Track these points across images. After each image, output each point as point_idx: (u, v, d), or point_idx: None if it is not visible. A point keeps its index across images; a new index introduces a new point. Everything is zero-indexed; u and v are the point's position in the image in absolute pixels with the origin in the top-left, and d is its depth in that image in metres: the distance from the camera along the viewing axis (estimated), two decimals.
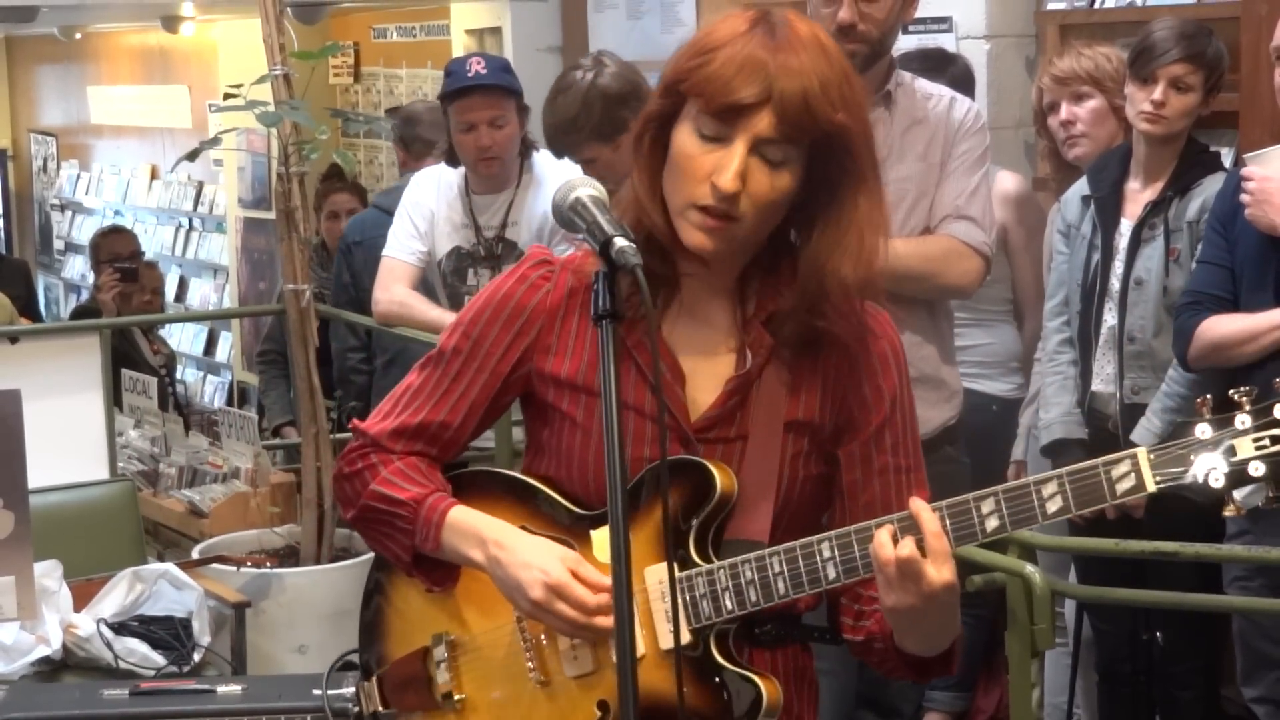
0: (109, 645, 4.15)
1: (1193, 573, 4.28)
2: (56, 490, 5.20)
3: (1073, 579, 4.65)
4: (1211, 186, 4.37)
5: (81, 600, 4.40)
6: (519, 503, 2.43)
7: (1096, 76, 4.76)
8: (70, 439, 5.60)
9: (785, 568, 2.25)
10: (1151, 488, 2.11)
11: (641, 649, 2.27)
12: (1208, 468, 2.09)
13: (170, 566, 4.84)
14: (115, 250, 8.60)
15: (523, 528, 2.38)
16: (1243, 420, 2.08)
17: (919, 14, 4.17)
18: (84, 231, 13.49)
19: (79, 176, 14.02)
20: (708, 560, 2.29)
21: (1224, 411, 2.11)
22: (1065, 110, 4.84)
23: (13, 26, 13.18)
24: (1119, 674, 4.75)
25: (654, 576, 2.30)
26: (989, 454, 4.80)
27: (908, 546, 2.14)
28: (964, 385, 4.29)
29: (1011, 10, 5.75)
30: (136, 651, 4.16)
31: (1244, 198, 4.06)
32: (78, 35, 13.31)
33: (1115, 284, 4.49)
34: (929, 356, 4.11)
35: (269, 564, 5.22)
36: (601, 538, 2.31)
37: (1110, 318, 4.51)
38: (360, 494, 2.46)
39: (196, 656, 4.17)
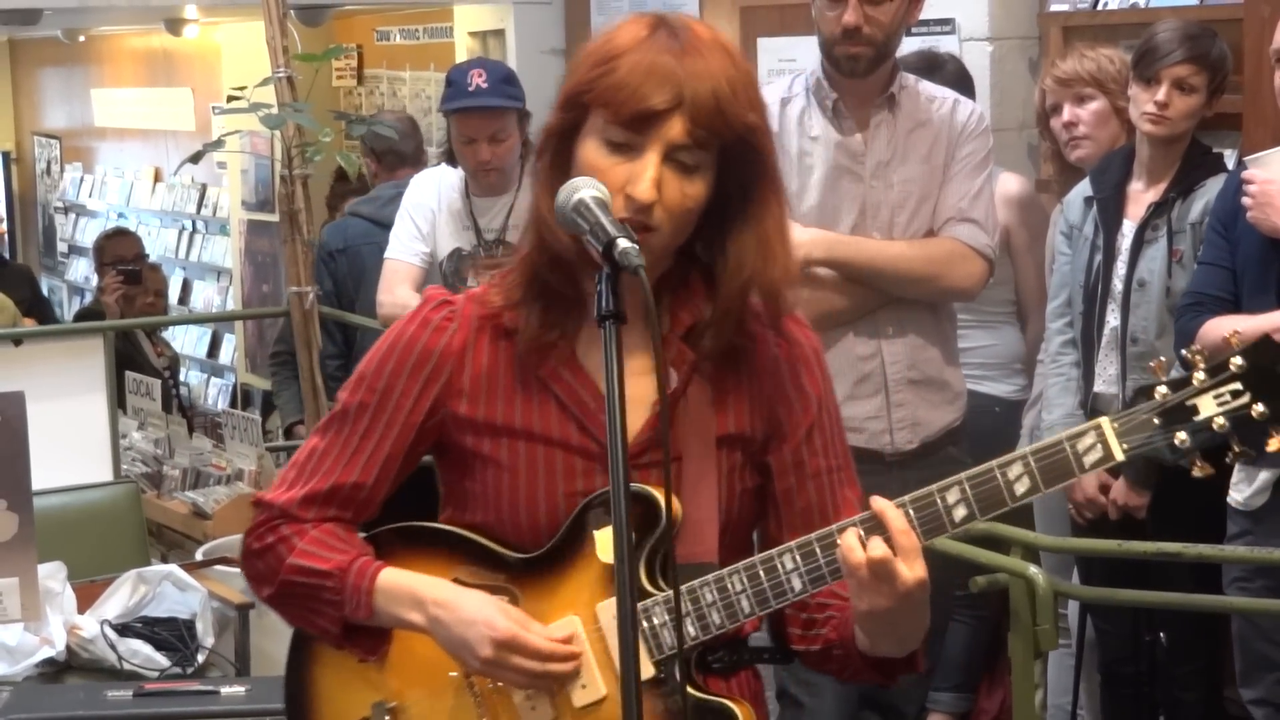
0: (113, 646, 4.15)
1: (1195, 574, 4.28)
2: (60, 492, 5.20)
3: (1075, 581, 4.65)
4: (1214, 188, 4.37)
5: (85, 602, 4.40)
6: (448, 556, 2.31)
7: (1099, 78, 4.76)
8: (74, 441, 5.61)
9: (748, 585, 2.19)
10: (1120, 456, 2.09)
11: (603, 690, 2.22)
12: (1173, 429, 2.08)
13: (174, 568, 4.85)
14: (119, 253, 8.62)
15: (454, 581, 2.28)
16: (1200, 378, 2.08)
17: (922, 15, 4.18)
18: (87, 234, 13.50)
19: (82, 179, 14.03)
20: (660, 589, 2.23)
21: (1180, 372, 2.11)
22: (1068, 112, 4.84)
23: (16, 29, 13.18)
24: (1122, 675, 4.75)
25: (607, 614, 2.21)
26: (992, 455, 4.75)
27: (878, 547, 2.09)
28: (967, 387, 4.29)
29: (1014, 12, 5.75)
30: (140, 653, 4.17)
31: (1245, 200, 4.07)
32: (81, 38, 13.31)
33: (1118, 285, 4.49)
34: (932, 359, 4.12)
35: None
36: (604, 538, 2.20)
37: (1113, 319, 4.51)
38: (277, 570, 2.32)
39: (200, 658, 4.18)
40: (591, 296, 2.17)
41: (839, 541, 2.14)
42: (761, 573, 2.19)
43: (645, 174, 2.14)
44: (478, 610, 2.20)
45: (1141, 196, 4.51)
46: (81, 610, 4.36)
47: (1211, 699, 4.72)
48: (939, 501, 2.14)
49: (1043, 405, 4.72)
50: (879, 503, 2.13)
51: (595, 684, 2.23)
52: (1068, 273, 4.65)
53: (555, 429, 2.26)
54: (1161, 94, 4.38)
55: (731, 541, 2.28)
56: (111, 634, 4.19)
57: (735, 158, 2.20)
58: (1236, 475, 4.23)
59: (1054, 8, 5.59)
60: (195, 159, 5.75)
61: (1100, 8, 5.43)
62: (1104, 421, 2.10)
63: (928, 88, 4.15)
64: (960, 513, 2.13)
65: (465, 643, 2.20)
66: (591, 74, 2.18)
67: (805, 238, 4.02)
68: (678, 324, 2.26)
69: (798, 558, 2.18)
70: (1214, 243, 4.21)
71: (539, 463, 2.26)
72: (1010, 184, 5.07)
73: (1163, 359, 2.16)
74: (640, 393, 2.25)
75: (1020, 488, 2.13)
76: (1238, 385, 2.07)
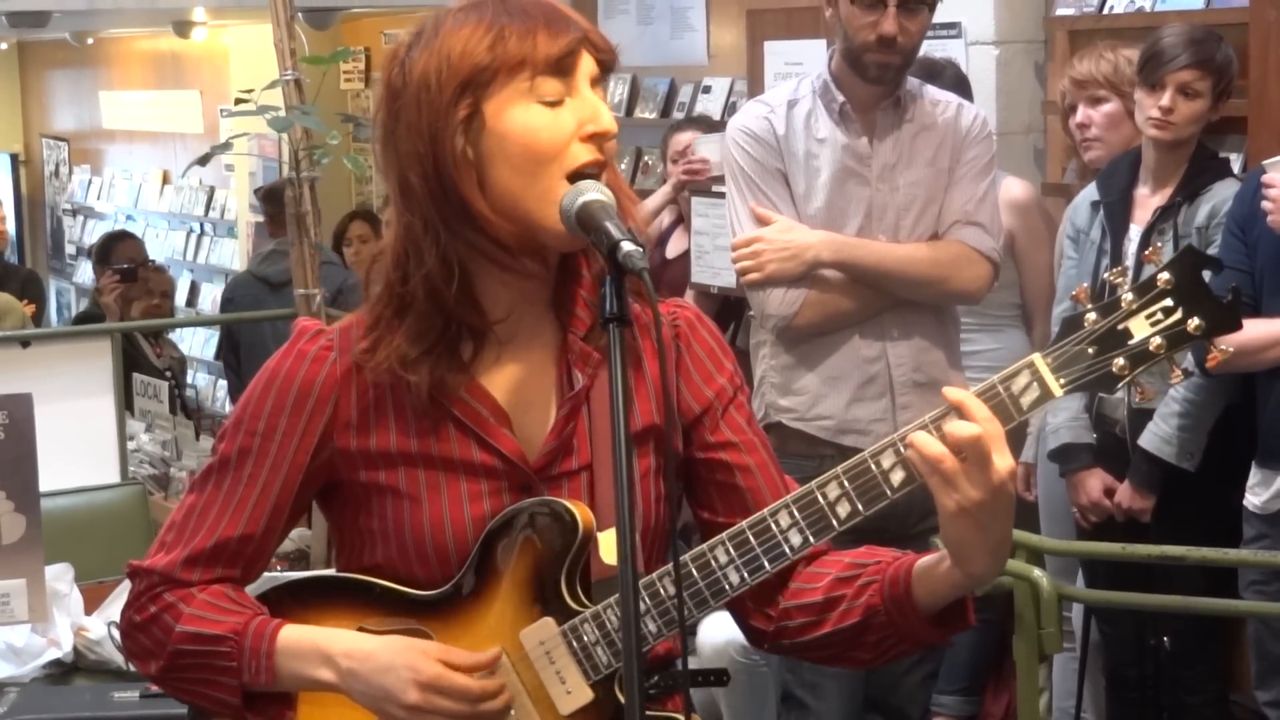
0: (119, 648, 4.16)
1: (1200, 577, 4.28)
2: (68, 494, 5.21)
3: (1080, 584, 4.65)
4: (1220, 192, 4.37)
5: (92, 603, 4.40)
6: (348, 605, 2.15)
7: (1114, 80, 4.74)
8: (81, 443, 5.61)
9: (684, 588, 2.05)
10: (1058, 392, 1.99)
11: None
12: (1108, 355, 1.98)
13: None
14: (124, 257, 8.62)
15: (359, 630, 2.12)
16: (1129, 299, 1.98)
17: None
18: (95, 236, 13.52)
19: (90, 181, 14.06)
20: (585, 606, 2.08)
21: (1105, 297, 2.00)
22: (1081, 113, 4.83)
23: (25, 31, 13.21)
24: (1126, 678, 4.75)
25: (533, 639, 2.10)
26: None
27: (966, 427, 1.93)
28: (971, 390, 4.29)
29: (1021, 16, 5.76)
30: None
31: (1265, 204, 4.06)
32: (90, 40, 13.35)
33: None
34: (936, 361, 4.12)
35: (278, 567, 5.23)
36: (608, 540, 2.07)
37: None
38: (165, 641, 2.12)
39: None
40: (495, 308, 2.11)
41: (911, 441, 1.97)
42: (695, 570, 2.07)
43: (600, 107, 2.07)
44: (395, 655, 2.05)
45: (1148, 201, 4.51)
46: (88, 612, 4.35)
47: (1218, 702, 4.72)
48: (874, 468, 2.02)
49: (1048, 407, 4.71)
50: (954, 393, 1.98)
51: (530, 718, 2.11)
52: (1074, 277, 4.65)
53: (455, 449, 2.11)
54: (1166, 99, 4.38)
55: (657, 547, 2.17)
56: (118, 636, 4.19)
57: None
58: (1253, 479, 4.23)
59: (1060, 11, 5.60)
60: (203, 161, 5.75)
61: (1106, 11, 5.43)
62: (1035, 358, 2.01)
63: (932, 92, 4.16)
64: (899, 476, 2.01)
65: (386, 692, 2.04)
66: (481, 54, 2.03)
67: (813, 239, 4.03)
68: (578, 324, 2.15)
69: (730, 549, 2.06)
70: (1231, 245, 4.21)
71: (440, 487, 2.11)
72: (1014, 188, 5.07)
73: (1085, 285, 2.06)
74: (546, 400, 2.16)
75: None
76: (1169, 301, 1.96)
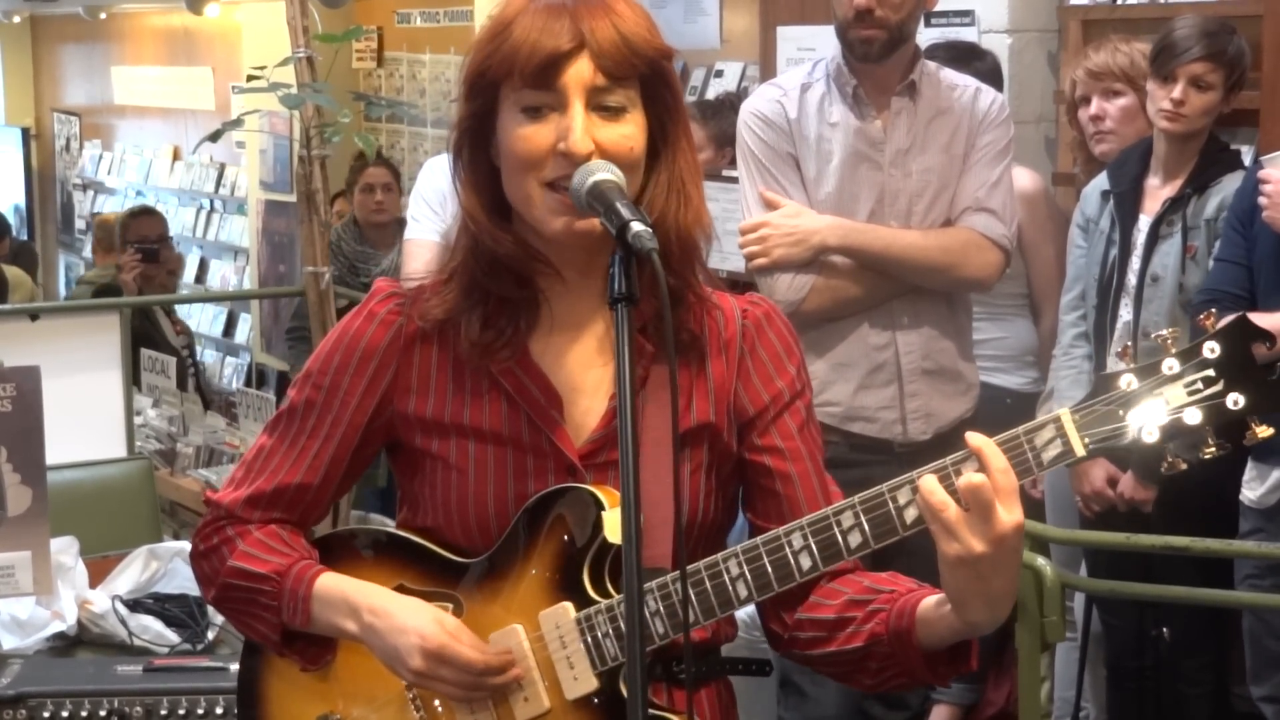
0: (123, 622, 4.16)
1: (1200, 571, 4.28)
2: (74, 467, 5.22)
3: (1082, 575, 4.65)
4: (1231, 185, 4.37)
5: (97, 577, 4.41)
6: (393, 561, 2.22)
7: (1130, 74, 4.72)
8: (89, 417, 5.63)
9: (691, 592, 2.06)
10: (1081, 452, 1.92)
11: (546, 704, 2.13)
12: (1139, 422, 1.90)
13: (186, 545, 4.85)
14: (143, 232, 8.63)
15: (398, 587, 2.18)
16: (1170, 365, 1.90)
17: (942, 7, 4.18)
18: (105, 211, 13.54)
19: (101, 156, 14.05)
20: (606, 596, 2.11)
21: (1149, 358, 1.93)
22: (1095, 105, 4.80)
23: (38, 5, 13.23)
24: (1127, 669, 4.75)
25: (550, 622, 2.12)
26: None
27: (974, 476, 1.89)
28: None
29: (1034, 5, 5.74)
30: (150, 629, 4.17)
31: (1261, 200, 4.07)
32: (102, 15, 13.34)
33: (1132, 279, 4.49)
34: (946, 349, 4.11)
35: None
36: (612, 519, 2.08)
37: (1126, 313, 4.51)
38: (218, 572, 2.24)
39: (210, 635, 4.17)
40: (548, 293, 2.16)
41: (918, 485, 1.95)
42: (706, 578, 2.06)
43: (574, 124, 2.03)
44: (410, 618, 2.12)
45: (1158, 192, 4.51)
46: (93, 585, 4.36)
47: (1219, 694, 4.73)
48: (890, 503, 2.00)
49: (1054, 397, 4.72)
50: (976, 438, 1.94)
51: (538, 697, 2.14)
52: (1083, 266, 4.65)
53: (506, 427, 2.15)
54: (1178, 91, 4.37)
55: (698, 546, 2.15)
56: (122, 609, 4.20)
57: (652, 94, 2.11)
58: (1249, 473, 4.24)
59: (1074, 1, 5.58)
60: (214, 138, 5.76)
61: (1120, 2, 5.42)
62: (1064, 414, 1.94)
63: (949, 75, 4.14)
64: (912, 514, 1.98)
65: (396, 652, 2.11)
66: (487, 50, 2.08)
67: (821, 224, 4.02)
68: (635, 315, 2.07)
69: (742, 563, 2.06)
70: (1231, 239, 4.21)
71: (488, 463, 2.16)
72: (1022, 178, 5.05)
73: (1128, 345, 2.03)
74: (600, 389, 2.17)
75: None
76: (1210, 373, 1.89)
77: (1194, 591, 4.02)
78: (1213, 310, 1.94)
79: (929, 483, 1.94)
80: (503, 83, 2.08)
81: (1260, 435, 1.91)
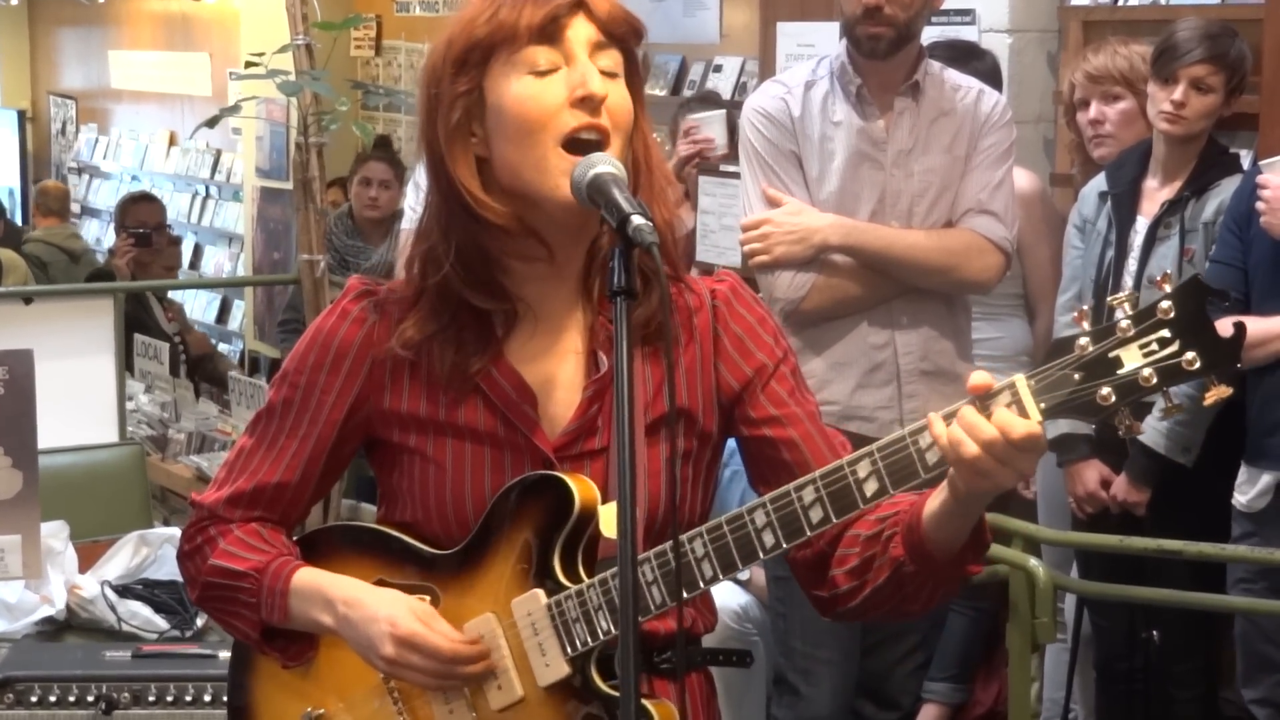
0: (112, 607, 4.16)
1: (1191, 574, 4.28)
2: (65, 452, 5.21)
3: (1074, 577, 4.65)
4: (1229, 188, 4.36)
5: (87, 562, 4.41)
6: (373, 556, 2.23)
7: (1130, 78, 4.70)
8: (81, 401, 5.62)
9: (659, 574, 2.06)
10: (1036, 416, 1.90)
11: (519, 692, 2.13)
12: (1095, 385, 1.88)
13: (176, 531, 4.85)
14: (141, 218, 8.61)
15: (378, 582, 2.20)
16: (1125, 326, 1.87)
17: (943, 5, 4.16)
18: (100, 195, 13.52)
19: (97, 140, 14.02)
20: (578, 581, 2.11)
21: (1104, 320, 1.90)
22: (1095, 109, 4.78)
23: None
24: (1117, 671, 4.75)
25: (522, 609, 2.13)
26: None
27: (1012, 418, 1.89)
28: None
29: (1035, 5, 5.74)
30: (139, 615, 4.17)
31: (1259, 205, 4.07)
32: None
33: (1128, 281, 4.48)
34: (945, 350, 4.11)
35: None
36: (608, 513, 2.07)
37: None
38: (201, 571, 2.26)
39: (199, 621, 4.17)
40: (519, 289, 2.16)
41: (929, 424, 1.95)
42: (671, 560, 2.05)
43: (589, 71, 2.07)
44: (381, 606, 2.13)
45: (1156, 194, 4.50)
46: (82, 570, 4.36)
47: (1208, 698, 4.73)
48: (850, 476, 2.00)
49: None
50: (980, 376, 1.94)
51: (511, 685, 2.14)
52: (1079, 267, 4.65)
53: (481, 423, 2.17)
54: (1178, 93, 4.37)
55: (666, 533, 2.10)
56: (111, 595, 4.19)
57: (630, 70, 2.14)
58: (1241, 477, 4.24)
59: (1074, 1, 5.58)
60: (211, 124, 5.75)
61: (1121, 3, 5.41)
62: (1019, 379, 1.92)
63: (953, 76, 4.13)
64: (872, 486, 1.99)
65: (369, 641, 2.13)
66: (479, 26, 2.09)
67: (821, 223, 4.01)
68: (606, 306, 2.14)
69: (706, 543, 2.06)
70: (1228, 242, 4.21)
71: (465, 458, 2.17)
72: (1018, 178, 5.05)
73: (1084, 307, 1.95)
74: (573, 380, 2.19)
75: (933, 457, 1.97)
76: (1166, 333, 1.86)
77: (1186, 595, 4.02)
78: (1168, 272, 1.90)
79: (969, 413, 1.92)
80: (498, 50, 2.09)
81: (1221, 394, 1.90)
